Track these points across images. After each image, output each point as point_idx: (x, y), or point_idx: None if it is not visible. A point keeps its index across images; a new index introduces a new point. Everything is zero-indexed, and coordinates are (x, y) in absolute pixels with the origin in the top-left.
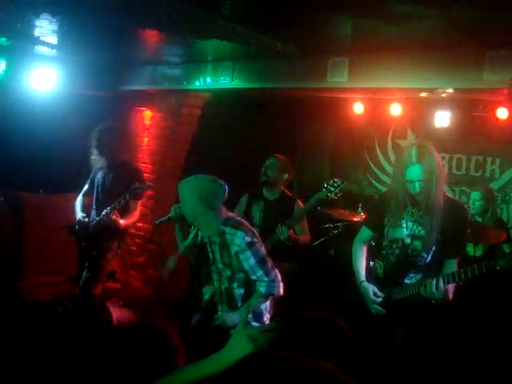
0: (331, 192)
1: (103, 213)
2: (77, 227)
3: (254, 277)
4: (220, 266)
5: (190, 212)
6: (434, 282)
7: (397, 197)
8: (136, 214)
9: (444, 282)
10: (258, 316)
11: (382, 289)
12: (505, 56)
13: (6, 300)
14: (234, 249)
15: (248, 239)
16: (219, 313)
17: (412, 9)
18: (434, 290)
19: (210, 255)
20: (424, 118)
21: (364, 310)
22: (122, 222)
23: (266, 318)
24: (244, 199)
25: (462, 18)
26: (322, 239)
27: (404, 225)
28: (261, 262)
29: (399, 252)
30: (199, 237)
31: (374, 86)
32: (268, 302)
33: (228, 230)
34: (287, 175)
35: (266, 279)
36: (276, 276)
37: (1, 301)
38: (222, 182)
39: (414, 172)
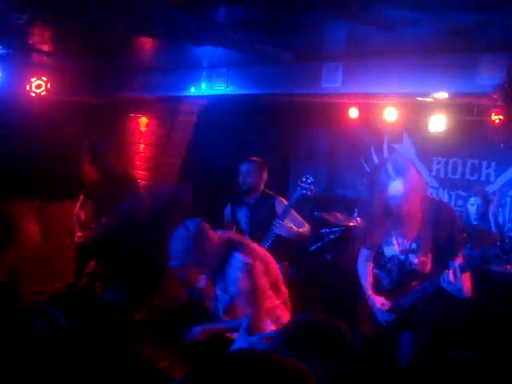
0: (306, 189)
1: (101, 223)
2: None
3: (241, 300)
4: (219, 292)
5: (187, 260)
6: (451, 272)
7: (379, 210)
8: None
9: (461, 271)
10: None
11: (391, 298)
12: (497, 60)
13: (6, 308)
14: (232, 271)
15: (246, 261)
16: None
17: (404, 14)
18: (451, 280)
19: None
20: (419, 122)
21: (373, 319)
22: None
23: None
24: (227, 209)
25: (454, 22)
26: (319, 244)
27: (394, 241)
28: (253, 287)
29: (398, 268)
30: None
31: (368, 91)
32: None
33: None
34: (265, 175)
35: (250, 307)
36: (261, 306)
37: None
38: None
39: (393, 186)
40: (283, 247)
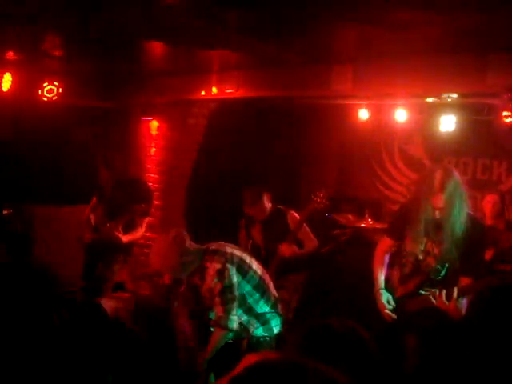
0: (318, 203)
1: (106, 228)
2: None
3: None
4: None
5: (173, 273)
6: (447, 292)
7: (419, 218)
8: (140, 231)
9: (457, 294)
10: (265, 322)
11: (397, 298)
12: (507, 60)
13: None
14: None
15: (219, 266)
16: None
17: (413, 15)
18: (446, 300)
19: None
20: (429, 123)
21: (379, 316)
22: (124, 238)
23: (275, 324)
24: (241, 225)
25: (464, 23)
26: (331, 246)
27: (419, 240)
28: (218, 296)
29: (413, 266)
30: None
31: (377, 93)
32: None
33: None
34: (268, 194)
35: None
36: (230, 313)
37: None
38: (179, 232)
39: (437, 200)
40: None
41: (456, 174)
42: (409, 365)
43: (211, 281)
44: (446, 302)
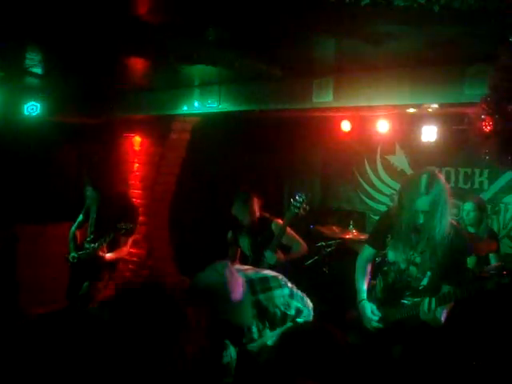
0: (298, 208)
1: (91, 247)
2: (70, 262)
3: None
4: None
5: None
6: (426, 302)
7: (401, 223)
8: (125, 250)
9: (436, 304)
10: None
11: (380, 307)
12: (483, 70)
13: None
14: None
15: None
16: None
17: (391, 28)
18: (425, 310)
19: None
20: (411, 133)
21: (363, 327)
22: (108, 256)
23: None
24: (229, 235)
25: (441, 35)
26: (316, 257)
27: (401, 249)
28: None
29: (394, 275)
30: None
31: (359, 105)
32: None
33: None
34: (258, 200)
35: None
36: None
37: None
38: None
39: (421, 203)
40: (280, 268)
41: (442, 179)
42: (395, 374)
43: None
44: (426, 312)
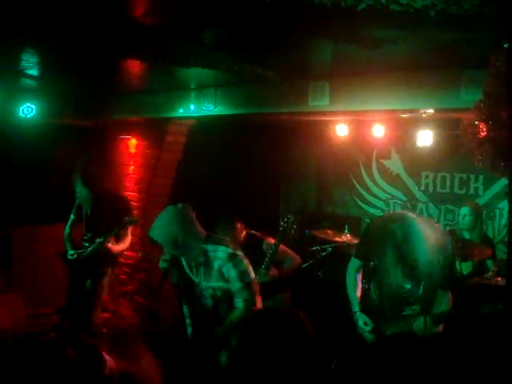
0: (287, 228)
1: (97, 241)
2: (68, 261)
3: (233, 289)
4: (209, 290)
5: (172, 246)
6: (422, 321)
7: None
8: (128, 240)
9: (431, 323)
10: None
11: (376, 318)
12: (480, 75)
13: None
14: (216, 263)
15: (229, 251)
16: None
17: (387, 33)
18: (422, 328)
19: (197, 279)
20: (407, 138)
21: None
22: (115, 248)
23: None
24: None
25: (437, 39)
26: (311, 262)
27: (391, 260)
28: (241, 275)
29: (388, 287)
30: (186, 268)
31: (354, 109)
32: None
33: (210, 247)
34: (240, 222)
35: (244, 294)
36: (256, 293)
37: None
38: (186, 204)
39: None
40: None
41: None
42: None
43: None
44: (423, 330)
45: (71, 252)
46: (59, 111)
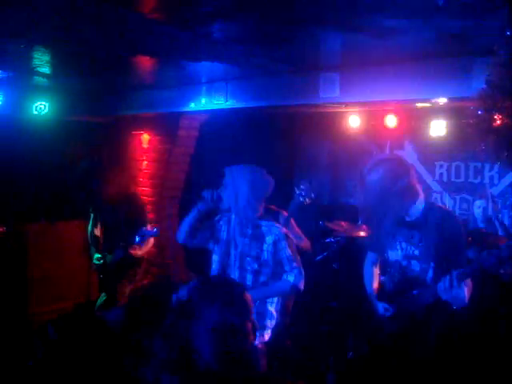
0: (303, 196)
1: (121, 246)
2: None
3: (286, 267)
4: (248, 259)
5: (234, 200)
6: (447, 278)
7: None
8: (151, 241)
9: (457, 278)
10: (260, 316)
11: (392, 303)
12: (492, 64)
13: (15, 328)
14: (270, 239)
15: (284, 231)
16: None
17: (397, 22)
18: (447, 286)
19: (234, 249)
20: (420, 128)
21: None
22: (140, 252)
23: (269, 323)
24: None
25: (448, 28)
26: (325, 254)
27: (398, 246)
28: (294, 254)
29: (399, 274)
30: (224, 232)
31: (366, 100)
32: (275, 307)
33: (264, 223)
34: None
35: (296, 271)
36: (302, 272)
37: (10, 329)
38: (271, 177)
39: None
40: None
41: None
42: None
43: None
44: (448, 288)
45: (97, 255)
46: (71, 108)
